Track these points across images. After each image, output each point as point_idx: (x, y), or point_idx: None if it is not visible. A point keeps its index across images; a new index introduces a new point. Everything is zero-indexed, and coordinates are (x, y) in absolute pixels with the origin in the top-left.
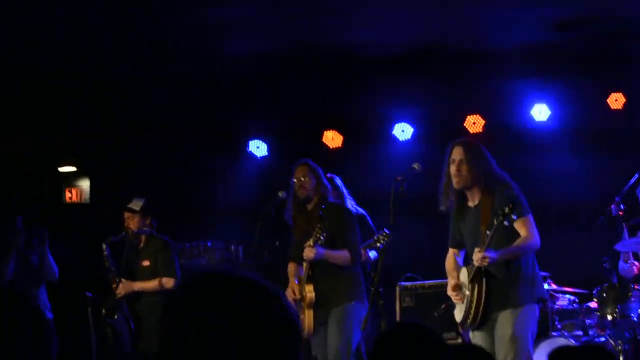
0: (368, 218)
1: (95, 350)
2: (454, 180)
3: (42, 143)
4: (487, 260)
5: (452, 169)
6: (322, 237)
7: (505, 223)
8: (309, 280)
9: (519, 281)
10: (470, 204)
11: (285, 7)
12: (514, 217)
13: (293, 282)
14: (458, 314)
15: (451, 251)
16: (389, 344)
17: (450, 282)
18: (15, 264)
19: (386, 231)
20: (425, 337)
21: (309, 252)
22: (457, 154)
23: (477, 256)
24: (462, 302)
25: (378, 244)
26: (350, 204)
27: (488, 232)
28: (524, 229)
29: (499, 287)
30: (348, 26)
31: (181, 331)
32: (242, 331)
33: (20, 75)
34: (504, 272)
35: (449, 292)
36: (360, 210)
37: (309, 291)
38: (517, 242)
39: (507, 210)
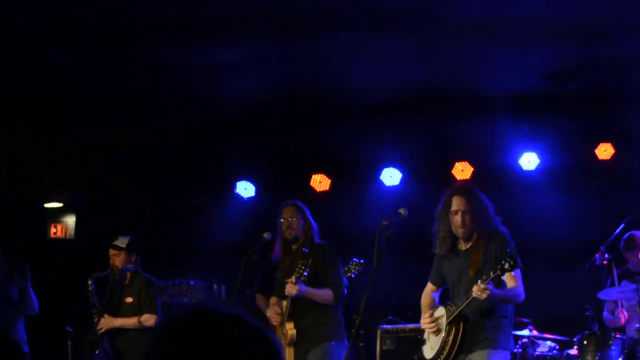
0: None
1: None
2: (459, 230)
3: (28, 178)
4: (487, 293)
5: (457, 220)
6: (305, 274)
7: (503, 278)
8: (290, 317)
9: (498, 329)
10: (462, 247)
11: (277, 54)
12: (512, 273)
13: (275, 307)
14: (428, 352)
15: (429, 287)
16: None
17: (426, 315)
18: None
19: (356, 260)
20: None
21: (290, 289)
22: (460, 204)
23: (478, 287)
24: (436, 335)
25: (349, 274)
26: None
27: (480, 282)
28: (514, 282)
29: (475, 332)
30: (339, 72)
31: None
32: None
33: (8, 108)
34: (484, 318)
35: (425, 323)
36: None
37: (290, 329)
38: (509, 289)
39: (507, 266)
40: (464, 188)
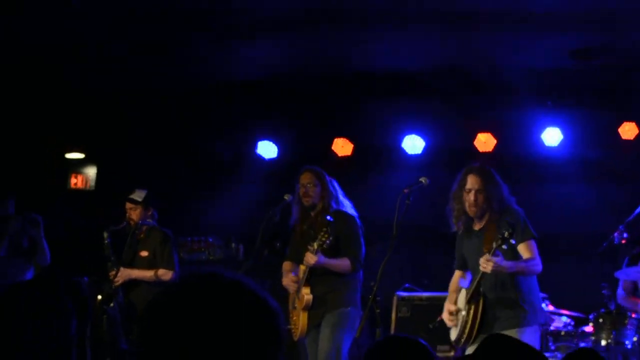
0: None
1: (89, 336)
2: (470, 209)
3: (51, 128)
4: (492, 264)
5: (470, 198)
6: (327, 242)
7: (504, 247)
8: (307, 282)
9: (521, 305)
10: (476, 227)
11: (305, 20)
12: (512, 242)
13: (289, 274)
14: (453, 334)
15: (457, 273)
16: (381, 356)
17: (449, 307)
18: (6, 247)
19: None
20: (417, 352)
21: (309, 259)
22: (474, 183)
23: (483, 259)
24: (456, 326)
25: None
26: (347, 204)
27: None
28: (528, 252)
29: (495, 308)
30: (367, 41)
31: (162, 330)
32: (222, 335)
33: (32, 63)
34: (503, 294)
35: (445, 316)
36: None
37: (306, 293)
38: (522, 260)
39: (506, 235)
40: (480, 168)
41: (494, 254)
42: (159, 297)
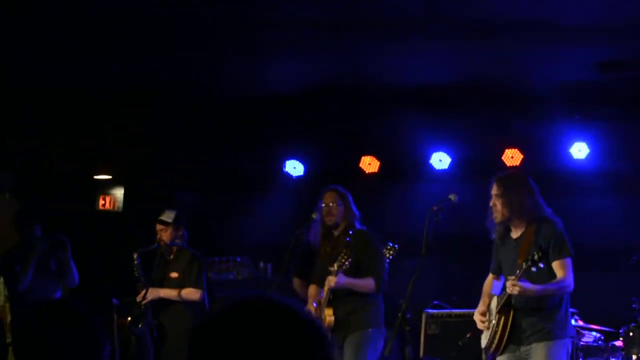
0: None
1: (118, 358)
2: (494, 215)
3: (79, 150)
4: (518, 288)
5: (492, 204)
6: (347, 263)
7: (533, 270)
8: (329, 304)
9: (552, 318)
10: (513, 235)
11: (330, 37)
12: (541, 265)
13: (311, 305)
14: (484, 339)
15: (491, 276)
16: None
17: (480, 307)
18: (34, 270)
19: (390, 244)
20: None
21: (329, 282)
22: (493, 189)
23: (509, 283)
24: (487, 329)
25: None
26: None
27: (517, 272)
28: (561, 271)
29: (525, 321)
30: (393, 56)
31: (210, 355)
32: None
33: (59, 85)
34: (534, 307)
35: (476, 316)
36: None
37: (329, 315)
38: (552, 282)
39: (535, 257)
40: (504, 174)
41: (521, 279)
42: (207, 320)
